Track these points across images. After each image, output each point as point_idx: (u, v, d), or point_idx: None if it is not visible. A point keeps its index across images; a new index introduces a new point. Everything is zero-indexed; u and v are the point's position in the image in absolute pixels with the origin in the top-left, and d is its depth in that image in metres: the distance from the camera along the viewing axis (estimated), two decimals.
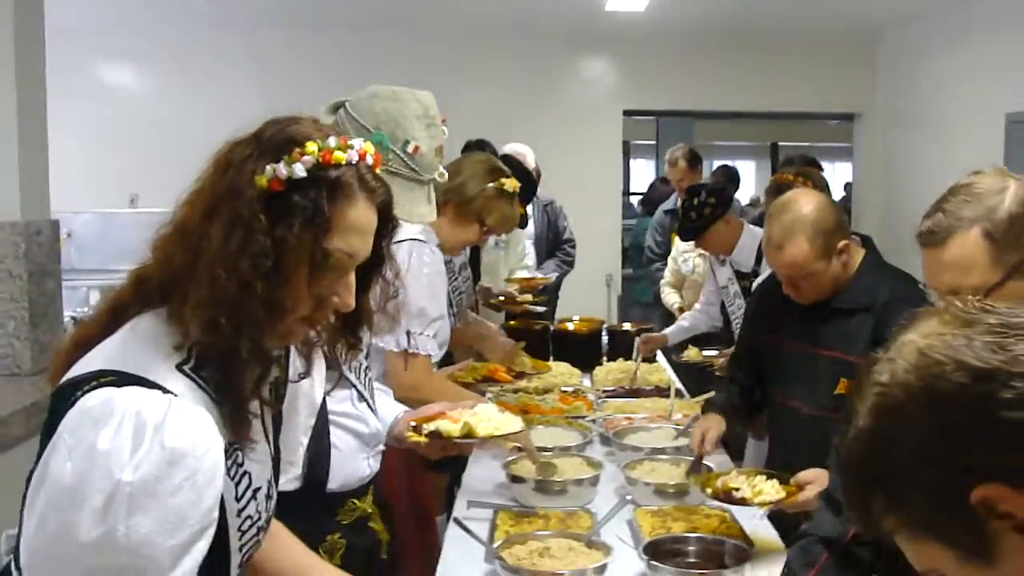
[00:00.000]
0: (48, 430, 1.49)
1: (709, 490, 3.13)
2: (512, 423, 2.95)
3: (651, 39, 9.83)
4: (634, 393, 4.91)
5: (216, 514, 1.52)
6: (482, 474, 3.73)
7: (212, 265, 1.52)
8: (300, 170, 1.57)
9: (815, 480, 2.96)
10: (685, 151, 7.77)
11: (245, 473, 1.64)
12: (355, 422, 2.66)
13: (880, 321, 3.10)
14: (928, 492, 1.07)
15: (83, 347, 1.61)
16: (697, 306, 5.96)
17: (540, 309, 6.01)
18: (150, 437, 1.43)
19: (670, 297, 6.78)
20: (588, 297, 8.64)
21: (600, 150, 10.20)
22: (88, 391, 1.48)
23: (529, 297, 5.91)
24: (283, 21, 9.45)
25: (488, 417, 2.88)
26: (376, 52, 9.67)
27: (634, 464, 3.64)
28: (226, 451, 1.54)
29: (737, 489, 3.05)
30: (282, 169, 1.57)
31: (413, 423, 2.81)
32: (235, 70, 9.71)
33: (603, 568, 2.78)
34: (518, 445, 3.24)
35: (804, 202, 3.23)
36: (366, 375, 2.74)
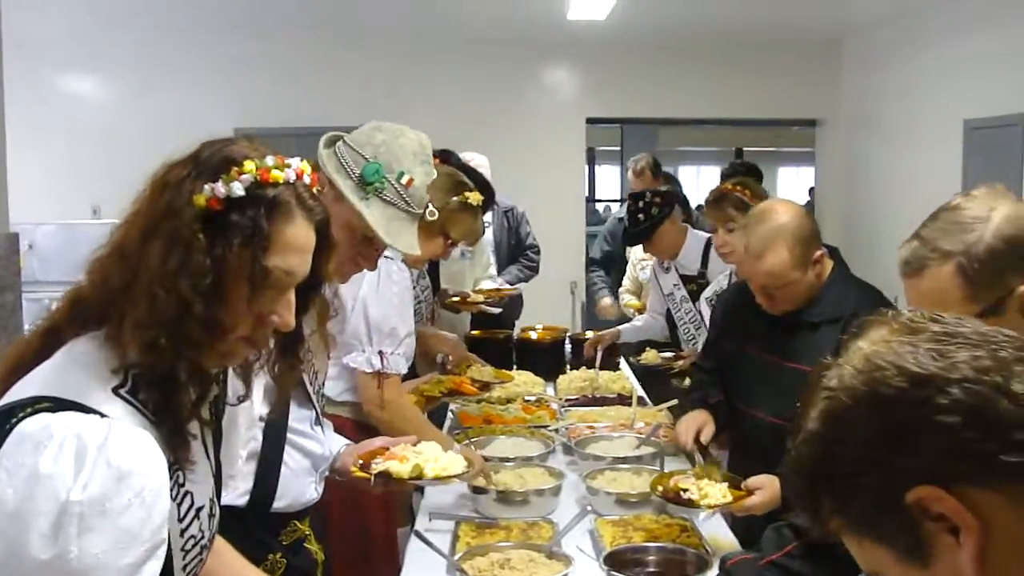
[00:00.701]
0: None
1: (660, 488, 3.16)
2: (457, 464, 2.95)
3: (613, 47, 9.86)
4: (597, 401, 4.91)
5: (165, 533, 1.51)
6: (444, 486, 3.72)
7: (151, 285, 1.51)
8: (238, 189, 1.57)
9: (763, 486, 2.99)
10: (649, 161, 7.80)
11: (187, 493, 1.64)
12: (310, 442, 2.68)
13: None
14: (870, 494, 1.09)
15: (18, 371, 1.58)
16: (646, 315, 5.97)
17: (495, 310, 5.97)
18: (93, 457, 1.41)
19: (631, 301, 6.78)
20: (552, 304, 8.64)
21: (563, 158, 10.22)
22: (24, 417, 1.46)
23: (481, 297, 5.90)
24: (245, 28, 9.41)
25: (435, 457, 2.88)
26: (340, 60, 9.66)
27: (595, 474, 3.63)
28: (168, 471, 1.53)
29: (686, 490, 3.07)
30: (220, 188, 1.56)
31: (360, 460, 2.80)
32: (196, 76, 9.67)
33: None
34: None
35: (782, 211, 3.23)
36: (323, 399, 2.77)
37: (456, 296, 5.67)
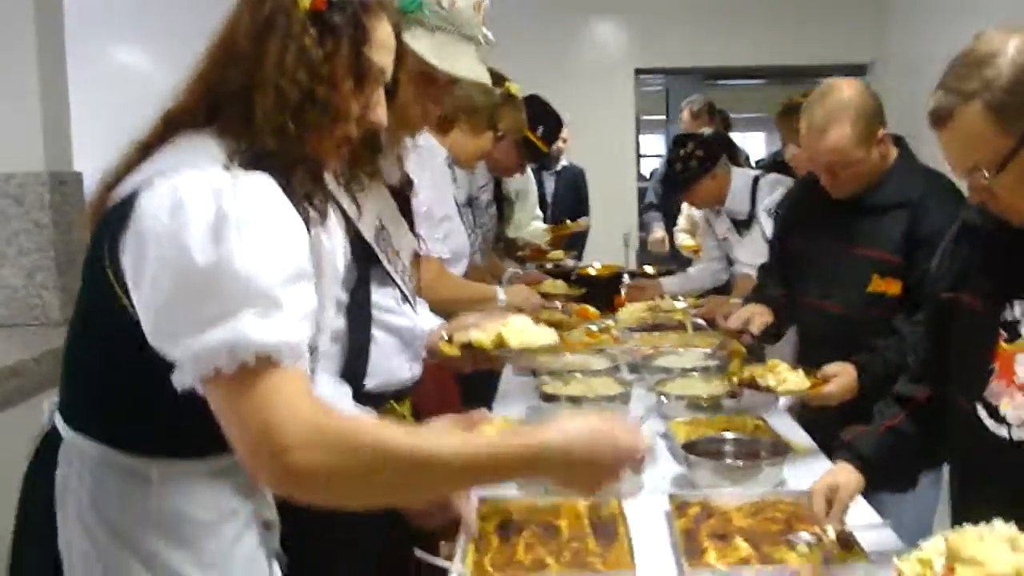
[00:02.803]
0: (91, 257, 1.58)
1: (735, 378, 3.22)
2: (545, 335, 2.95)
3: None
4: (658, 327, 4.92)
5: (310, 266, 1.57)
6: (514, 396, 3.75)
7: (274, 77, 1.61)
8: None
9: (840, 373, 2.99)
10: (705, 101, 7.74)
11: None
12: (397, 318, 2.63)
13: (915, 218, 3.14)
14: None
15: (114, 189, 1.65)
16: (699, 264, 5.78)
17: (571, 263, 6.01)
18: (231, 187, 1.50)
19: (685, 241, 6.75)
20: (606, 256, 8.64)
21: (613, 110, 10.17)
22: (145, 187, 1.53)
23: (560, 254, 5.93)
24: None
25: (521, 329, 2.86)
26: None
27: (664, 381, 3.66)
28: None
29: (762, 377, 3.10)
30: None
31: (445, 334, 2.80)
32: None
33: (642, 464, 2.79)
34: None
35: (846, 87, 3.19)
36: (411, 279, 2.72)
37: (527, 249, 5.69)
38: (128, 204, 1.53)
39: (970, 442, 2.07)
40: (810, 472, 2.73)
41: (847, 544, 2.30)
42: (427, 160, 3.38)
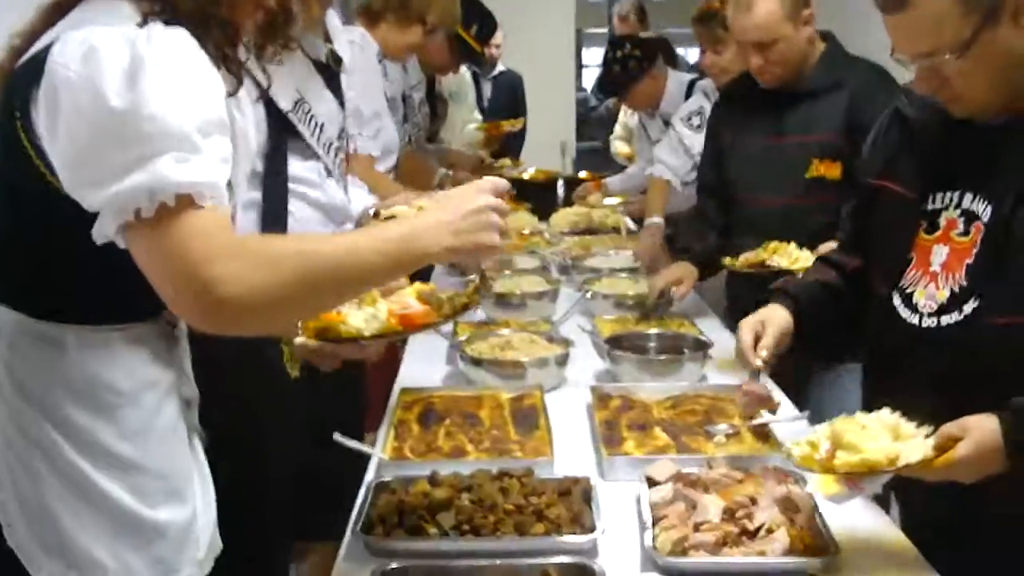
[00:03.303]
0: (2, 120, 1.51)
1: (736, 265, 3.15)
2: None
3: None
4: (591, 232, 4.93)
5: (226, 117, 1.52)
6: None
7: None
8: None
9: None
10: (635, 4, 7.64)
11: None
12: (317, 191, 2.62)
13: (854, 103, 3.09)
14: None
15: (23, 49, 1.59)
16: (638, 164, 5.71)
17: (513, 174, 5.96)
18: (146, 34, 1.45)
19: (619, 148, 6.71)
20: (543, 164, 8.63)
21: (552, 17, 10.09)
22: (56, 43, 1.47)
23: (505, 161, 5.89)
24: None
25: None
26: None
27: (593, 280, 3.67)
28: None
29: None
30: None
31: (372, 210, 2.77)
32: None
33: (564, 358, 2.81)
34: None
35: None
36: (337, 153, 2.70)
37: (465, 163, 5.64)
38: (38, 60, 1.48)
39: (884, 329, 2.08)
40: (732, 371, 2.76)
41: (763, 435, 2.34)
42: (358, 56, 3.32)
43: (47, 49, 1.47)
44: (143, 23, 1.49)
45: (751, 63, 3.21)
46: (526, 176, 5.96)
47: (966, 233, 1.96)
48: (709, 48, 4.30)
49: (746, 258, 3.09)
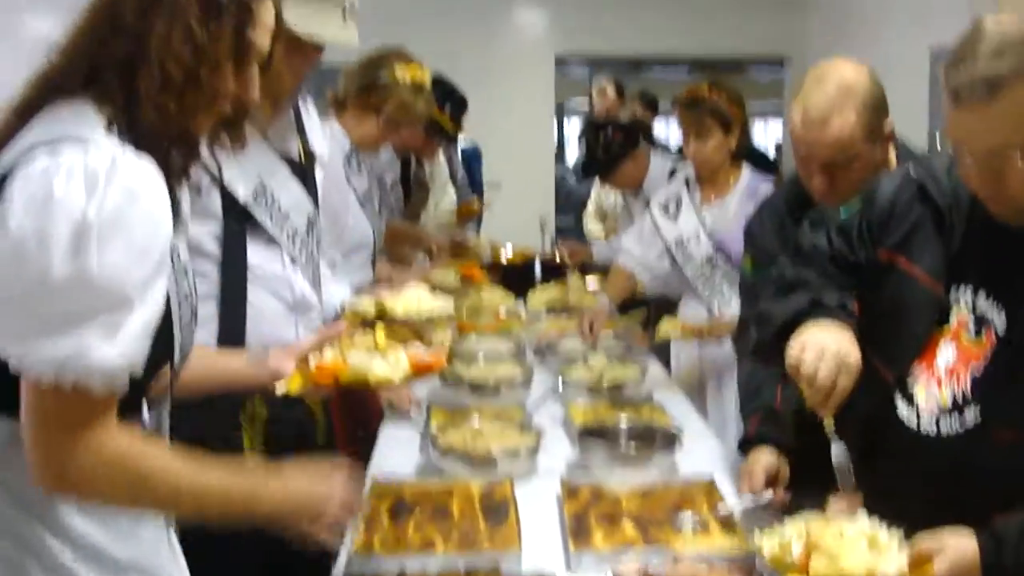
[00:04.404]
0: None
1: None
2: (437, 306, 2.84)
3: None
4: (568, 311, 4.95)
5: (168, 256, 1.60)
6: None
7: (160, 55, 1.61)
8: None
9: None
10: (612, 79, 7.73)
11: (176, 244, 1.70)
12: (280, 284, 2.64)
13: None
14: None
15: None
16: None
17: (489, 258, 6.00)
18: (104, 179, 1.49)
19: (593, 228, 6.75)
20: (522, 241, 8.69)
21: (533, 95, 10.20)
22: (25, 162, 1.52)
23: (485, 244, 5.93)
24: None
25: (413, 298, 2.80)
26: None
27: (567, 367, 3.69)
28: None
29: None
30: None
31: (340, 307, 2.80)
32: None
33: (535, 448, 2.82)
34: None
35: (848, 68, 2.64)
36: (303, 244, 2.72)
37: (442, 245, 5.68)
38: (5, 179, 1.53)
39: (880, 418, 2.03)
40: (703, 456, 2.78)
41: (730, 527, 2.35)
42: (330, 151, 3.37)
43: (15, 168, 1.52)
44: (108, 129, 1.57)
45: (812, 184, 2.68)
46: (504, 260, 5.98)
47: (977, 335, 1.92)
48: (693, 135, 4.24)
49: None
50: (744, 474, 2.55)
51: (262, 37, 1.75)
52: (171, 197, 1.63)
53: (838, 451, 2.06)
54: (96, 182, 1.48)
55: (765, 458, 2.55)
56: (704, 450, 2.98)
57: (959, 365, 1.92)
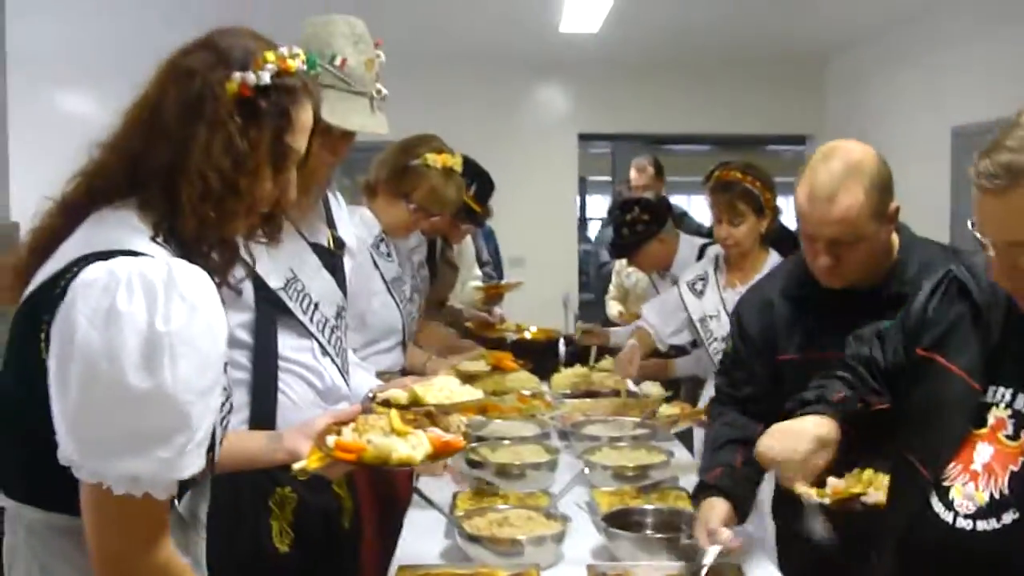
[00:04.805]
0: (26, 331, 1.58)
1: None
2: (467, 393, 2.88)
3: (605, 63, 9.95)
4: (591, 394, 4.96)
5: (224, 361, 1.65)
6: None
7: (200, 166, 1.66)
8: (265, 77, 1.73)
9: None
10: (652, 158, 7.81)
11: None
12: (310, 373, 2.68)
13: None
14: None
15: (39, 254, 1.69)
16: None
17: (514, 337, 6.05)
18: (164, 291, 1.54)
19: (613, 308, 6.78)
20: (545, 319, 8.72)
21: (556, 174, 10.30)
22: (79, 272, 1.56)
23: (510, 324, 5.98)
24: None
25: (443, 387, 2.82)
26: None
27: (592, 450, 3.69)
28: None
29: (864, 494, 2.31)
30: (251, 77, 1.72)
31: (371, 393, 2.83)
32: None
33: (561, 536, 2.82)
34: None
35: (855, 148, 2.63)
36: (333, 333, 2.76)
37: (471, 321, 5.73)
38: (61, 283, 1.57)
39: (916, 515, 2.02)
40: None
41: None
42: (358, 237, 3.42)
43: (71, 273, 1.57)
44: (154, 235, 1.61)
45: (817, 263, 2.67)
46: (528, 336, 6.02)
47: (1015, 437, 1.90)
48: (726, 219, 4.27)
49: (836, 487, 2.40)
50: (702, 523, 2.70)
51: (300, 140, 1.80)
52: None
53: (813, 521, 2.19)
54: (155, 294, 1.53)
55: (720, 506, 2.72)
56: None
57: (995, 464, 1.91)
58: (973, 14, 7.53)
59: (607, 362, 5.31)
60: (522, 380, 5.08)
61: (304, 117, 1.81)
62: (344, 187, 3.23)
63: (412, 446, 2.16)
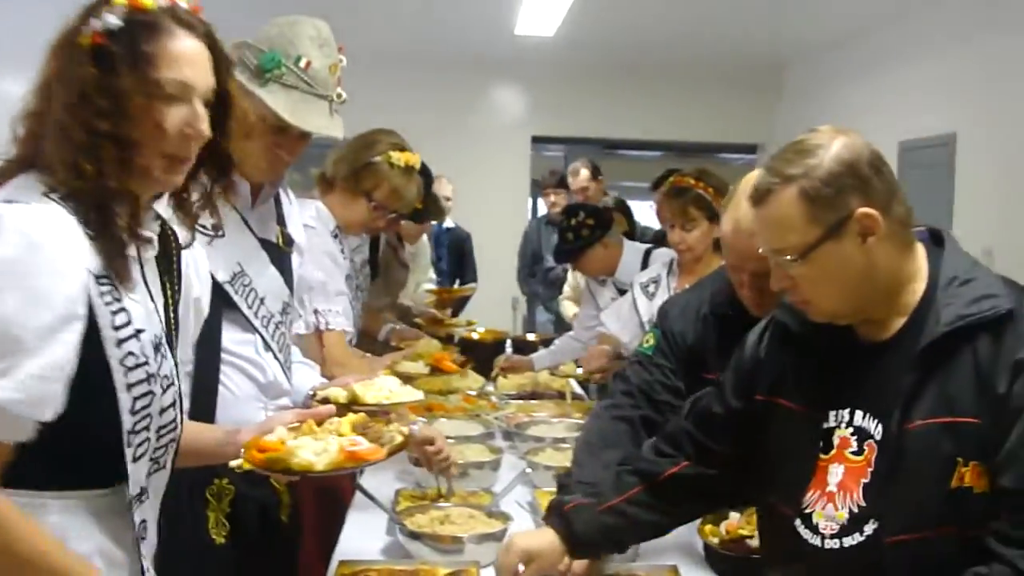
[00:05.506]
0: None
1: (715, 539, 2.62)
2: (407, 394, 2.91)
3: (560, 65, 9.99)
4: (536, 396, 4.99)
5: (83, 310, 1.64)
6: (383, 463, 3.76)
7: (60, 119, 1.70)
8: (114, 20, 1.73)
9: None
10: (586, 161, 7.80)
11: (122, 308, 1.74)
12: (252, 367, 2.70)
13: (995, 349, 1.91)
14: None
15: None
16: (570, 333, 5.64)
17: (462, 331, 6.06)
18: (10, 227, 1.59)
19: (568, 310, 6.79)
20: (494, 321, 8.75)
21: (508, 176, 10.32)
22: None
23: (460, 320, 5.98)
24: None
25: (383, 387, 2.85)
26: None
27: (536, 451, 3.71)
28: (99, 279, 1.68)
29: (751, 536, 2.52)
30: (97, 23, 1.73)
31: (311, 391, 2.84)
32: None
33: (503, 534, 2.83)
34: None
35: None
36: (277, 328, 2.77)
37: (420, 317, 5.73)
38: None
39: (788, 548, 2.09)
40: (667, 542, 2.79)
41: None
42: (317, 239, 3.42)
43: None
44: (46, 194, 1.67)
45: (742, 293, 2.65)
46: (475, 336, 6.03)
47: (859, 452, 1.99)
48: (678, 224, 4.28)
49: (721, 532, 2.62)
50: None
51: (181, 71, 1.78)
52: (119, 253, 1.72)
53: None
54: (1, 229, 1.57)
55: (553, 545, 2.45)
56: (669, 537, 2.99)
57: (848, 481, 1.98)
58: (922, 33, 7.66)
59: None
60: (468, 380, 5.11)
61: (175, 47, 1.77)
62: (295, 181, 3.21)
63: (317, 453, 2.10)
